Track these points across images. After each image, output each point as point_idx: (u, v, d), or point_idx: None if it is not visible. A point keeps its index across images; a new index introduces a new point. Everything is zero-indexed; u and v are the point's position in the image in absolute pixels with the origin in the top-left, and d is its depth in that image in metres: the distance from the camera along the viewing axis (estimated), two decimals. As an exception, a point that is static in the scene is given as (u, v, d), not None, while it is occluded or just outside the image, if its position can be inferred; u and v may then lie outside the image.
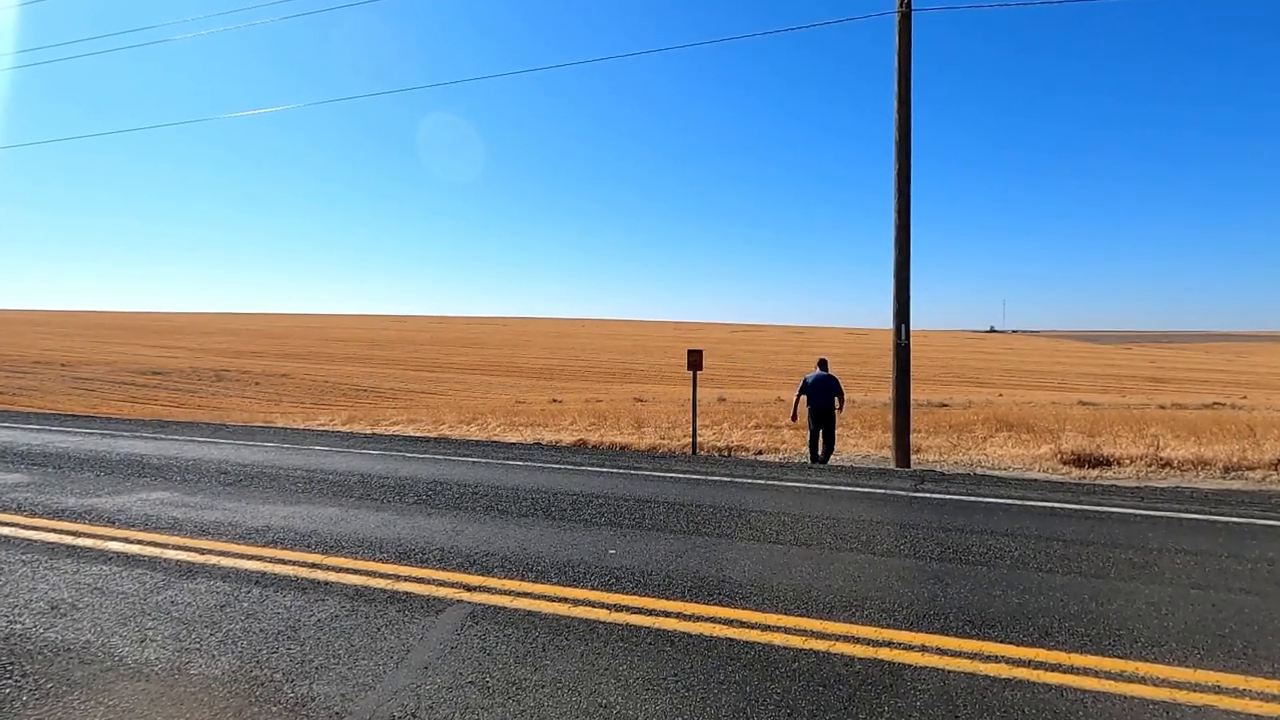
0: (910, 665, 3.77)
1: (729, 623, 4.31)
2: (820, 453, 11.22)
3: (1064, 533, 6.45)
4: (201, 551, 5.66)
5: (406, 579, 5.06)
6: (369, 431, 14.63)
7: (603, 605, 4.59)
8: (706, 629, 4.22)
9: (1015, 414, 17.07)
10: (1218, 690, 3.55)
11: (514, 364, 59.65)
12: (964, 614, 4.48)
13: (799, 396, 11.72)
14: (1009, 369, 65.19)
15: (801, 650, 3.94)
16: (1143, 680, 3.64)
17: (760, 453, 12.07)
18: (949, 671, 3.70)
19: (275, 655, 3.86)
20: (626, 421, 15.66)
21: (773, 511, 7.20)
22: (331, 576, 5.11)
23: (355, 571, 5.22)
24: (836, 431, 11.92)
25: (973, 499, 7.89)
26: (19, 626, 4.22)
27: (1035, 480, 9.47)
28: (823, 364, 11.80)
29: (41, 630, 4.17)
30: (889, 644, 4.03)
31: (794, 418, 12.01)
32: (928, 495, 8.10)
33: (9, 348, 49.30)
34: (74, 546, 5.77)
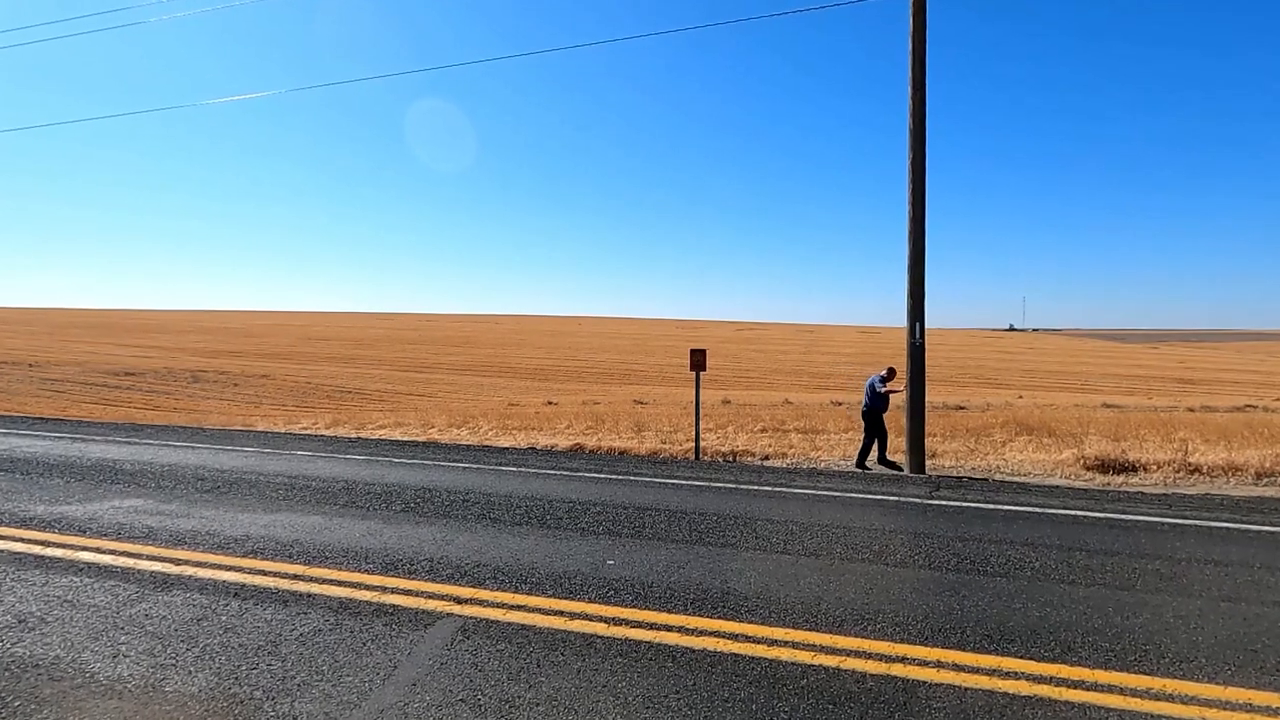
0: (925, 682, 3.77)
1: (734, 637, 4.32)
2: (873, 455, 11.31)
3: (1087, 542, 6.45)
4: (177, 562, 5.66)
5: (394, 591, 5.06)
6: (354, 435, 14.63)
7: (601, 619, 4.59)
8: (710, 643, 4.23)
9: (1036, 417, 17.08)
10: (1249, 709, 3.55)
11: (507, 364, 59.66)
12: (982, 628, 4.48)
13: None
14: (1029, 369, 65.24)
15: (810, 666, 3.95)
16: (1170, 698, 3.64)
17: (767, 458, 12.07)
18: (966, 689, 3.70)
19: (255, 671, 3.87)
20: (626, 425, 15.66)
21: (780, 520, 7.21)
22: (315, 588, 5.11)
23: (340, 583, 5.22)
24: (842, 437, 11.96)
25: (991, 507, 7.90)
26: (-15, 641, 4.22)
27: (1057, 487, 9.48)
28: (889, 371, 11.76)
29: (9, 645, 4.17)
30: (903, 660, 4.03)
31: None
32: (943, 503, 8.11)
33: (-26, 347, 49.30)
34: (43, 557, 5.78)
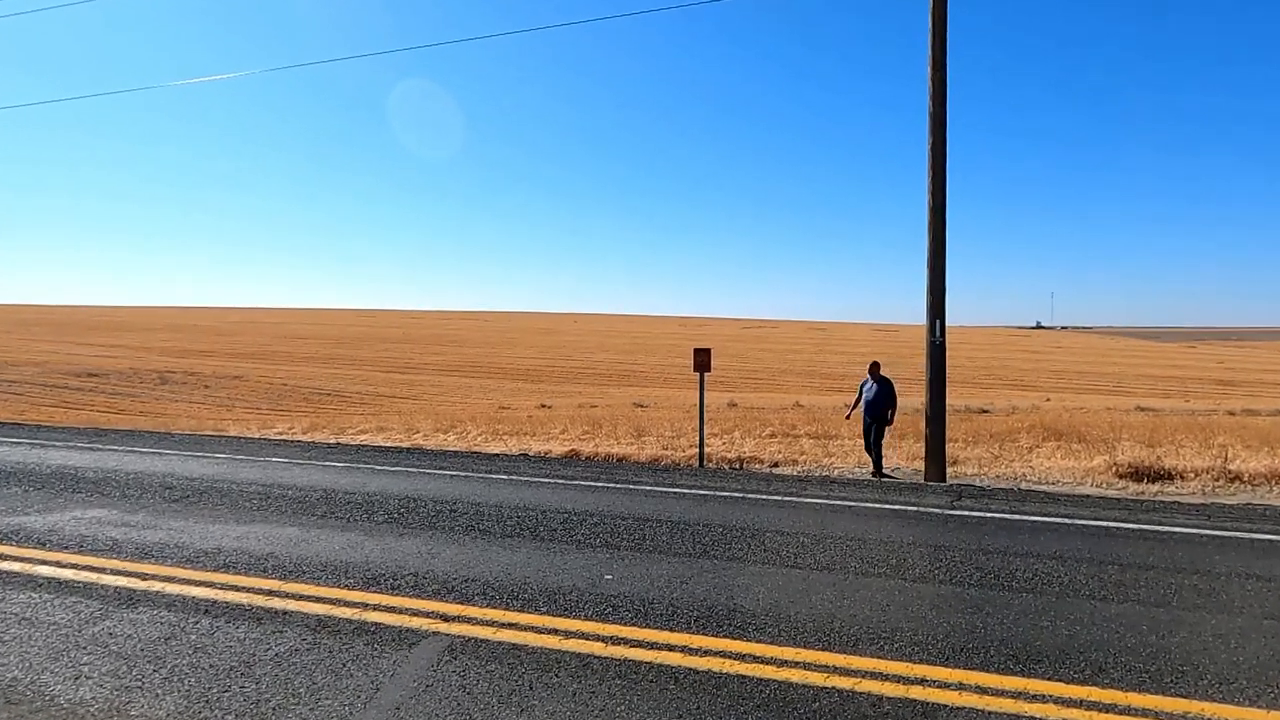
0: (946, 705, 3.77)
1: (740, 657, 4.32)
2: (890, 461, 11.52)
3: (1120, 555, 6.46)
4: (143, 577, 5.66)
5: (376, 608, 5.06)
6: (333, 441, 14.64)
7: (598, 637, 4.59)
8: (715, 664, 4.23)
9: (1065, 421, 17.10)
10: (1294, 734, 3.55)
11: (497, 365, 59.71)
12: (1007, 647, 4.48)
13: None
14: (1058, 370, 65.30)
15: (822, 689, 3.95)
16: (1209, 722, 3.64)
17: (776, 465, 12.08)
18: (990, 713, 3.70)
19: (227, 694, 3.87)
20: (625, 430, 15.67)
21: (790, 531, 7.22)
22: (291, 605, 5.11)
23: (318, 599, 5.22)
24: (857, 443, 12.05)
25: (1016, 517, 7.90)
26: (-63, 661, 4.22)
27: (1087, 496, 9.48)
28: (872, 365, 11.90)
29: (-38, 666, 4.17)
30: (922, 681, 4.03)
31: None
32: (965, 513, 8.12)
33: (-75, 346, 49.32)
34: (-1, 571, 5.77)
